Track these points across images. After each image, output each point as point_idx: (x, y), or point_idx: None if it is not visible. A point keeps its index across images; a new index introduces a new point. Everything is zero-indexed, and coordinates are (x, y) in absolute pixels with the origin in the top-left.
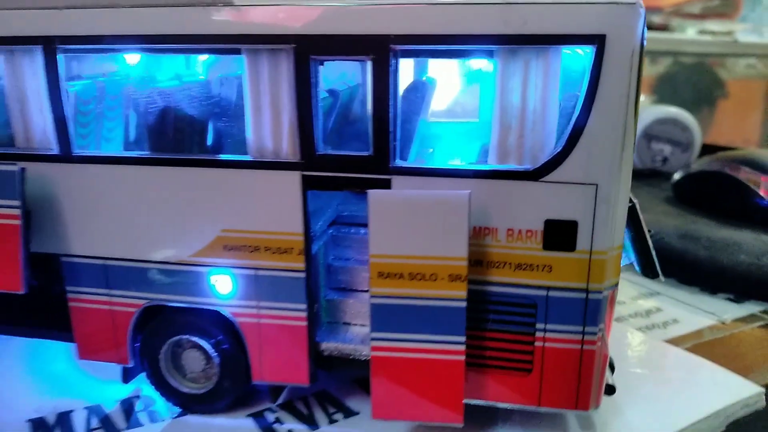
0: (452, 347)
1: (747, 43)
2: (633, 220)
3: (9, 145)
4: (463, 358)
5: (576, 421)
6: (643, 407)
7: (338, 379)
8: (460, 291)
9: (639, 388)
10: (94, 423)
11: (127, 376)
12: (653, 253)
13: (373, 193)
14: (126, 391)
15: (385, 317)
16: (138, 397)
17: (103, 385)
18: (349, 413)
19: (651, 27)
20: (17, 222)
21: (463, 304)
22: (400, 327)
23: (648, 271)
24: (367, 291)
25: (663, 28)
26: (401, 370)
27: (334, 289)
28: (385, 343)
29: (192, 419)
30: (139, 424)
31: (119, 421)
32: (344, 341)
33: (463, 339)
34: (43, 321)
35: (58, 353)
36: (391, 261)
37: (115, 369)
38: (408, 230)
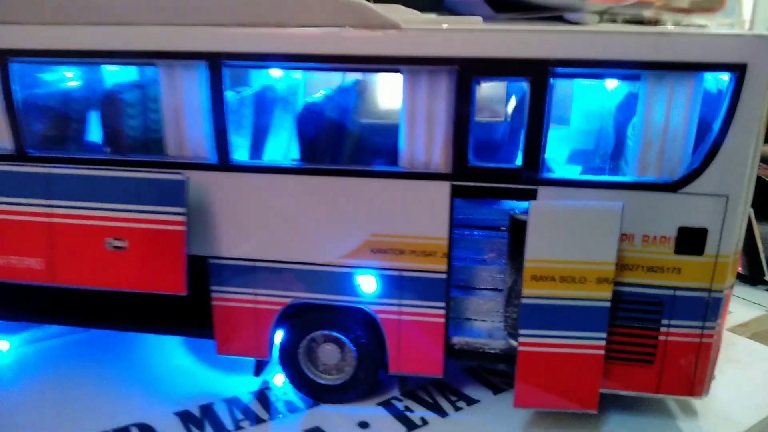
0: (594, 342)
1: None
2: (748, 225)
3: (158, 153)
4: (603, 352)
5: (677, 405)
6: (731, 391)
7: (449, 369)
8: (606, 292)
9: (722, 374)
10: (238, 414)
11: (259, 369)
12: (762, 255)
13: (535, 204)
14: (256, 383)
15: (534, 316)
16: (267, 388)
17: (233, 379)
18: (470, 401)
19: (642, 22)
20: (182, 228)
21: (608, 304)
22: (548, 324)
23: (755, 272)
24: (487, 289)
25: (654, 22)
26: (545, 363)
27: (456, 287)
28: (533, 339)
29: (326, 408)
30: (279, 414)
31: (260, 411)
32: (473, 336)
33: (604, 335)
34: (184, 319)
35: (175, 349)
36: (545, 266)
37: (239, 363)
38: (563, 237)
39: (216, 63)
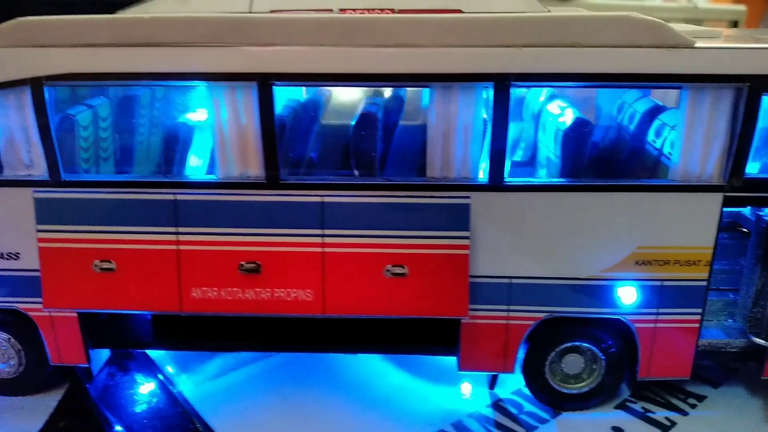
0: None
1: (707, 9)
2: None
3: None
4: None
5: None
6: None
7: None
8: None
9: None
10: (493, 430)
11: (494, 383)
12: None
13: None
14: (489, 397)
15: None
16: (500, 401)
17: (453, 394)
18: (699, 397)
19: None
20: (466, 252)
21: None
22: None
23: None
24: (729, 290)
25: None
26: None
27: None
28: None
29: (573, 417)
30: (531, 426)
31: (512, 425)
32: (716, 337)
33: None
34: (427, 339)
35: (376, 368)
36: None
37: (446, 378)
38: None
39: (503, 84)
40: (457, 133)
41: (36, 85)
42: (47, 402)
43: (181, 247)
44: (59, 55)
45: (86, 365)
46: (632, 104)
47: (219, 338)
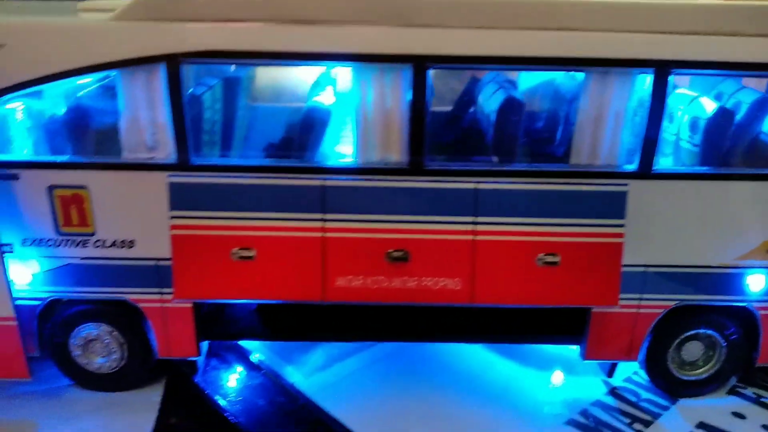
0: None
1: None
2: None
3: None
4: None
5: None
6: None
7: None
8: None
9: None
10: (619, 417)
11: (612, 371)
12: None
13: None
14: (604, 386)
15: None
16: (616, 389)
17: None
18: None
19: None
20: (620, 240)
21: None
22: None
23: None
24: None
25: None
26: None
27: None
28: None
29: (692, 403)
30: (655, 413)
31: (635, 412)
32: None
33: None
34: (554, 328)
35: (480, 357)
36: None
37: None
38: None
39: (664, 71)
40: (609, 120)
41: (172, 62)
42: (148, 397)
43: (328, 234)
44: (199, 31)
45: (196, 358)
46: (734, 94)
47: (325, 329)
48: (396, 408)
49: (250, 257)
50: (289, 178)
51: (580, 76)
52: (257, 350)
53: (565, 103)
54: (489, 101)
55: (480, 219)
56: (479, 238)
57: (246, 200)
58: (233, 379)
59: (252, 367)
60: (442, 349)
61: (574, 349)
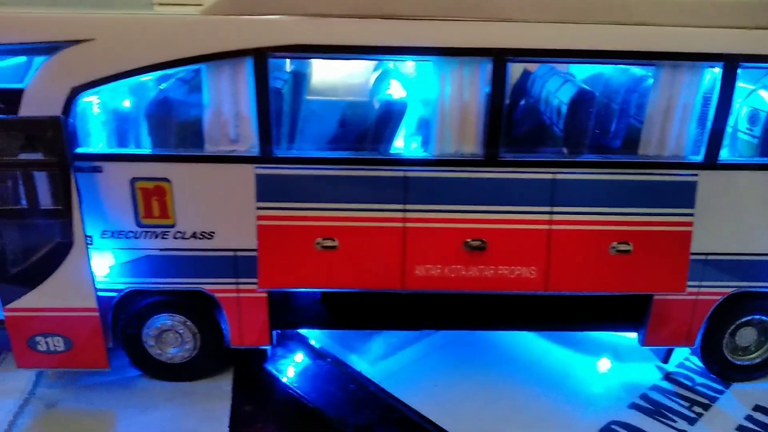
0: None
1: None
2: None
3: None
4: None
5: None
6: None
7: None
8: None
9: None
10: (679, 401)
11: (668, 357)
12: None
13: None
14: (658, 372)
15: None
16: (670, 374)
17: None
18: None
19: None
20: (689, 228)
21: None
22: None
23: None
24: None
25: None
26: None
27: None
28: None
29: (744, 386)
30: (711, 397)
31: (693, 395)
32: None
33: None
34: (614, 315)
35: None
36: None
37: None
38: None
39: (732, 65)
40: (677, 112)
41: (260, 56)
42: (219, 386)
43: (408, 225)
44: (286, 25)
45: (269, 346)
46: None
47: (386, 317)
48: (462, 393)
49: (333, 247)
50: (372, 169)
51: (635, 69)
52: (316, 339)
53: (623, 95)
54: (557, 93)
55: (556, 209)
56: (555, 227)
57: (329, 191)
58: (302, 366)
59: (317, 355)
60: (496, 337)
61: (628, 337)
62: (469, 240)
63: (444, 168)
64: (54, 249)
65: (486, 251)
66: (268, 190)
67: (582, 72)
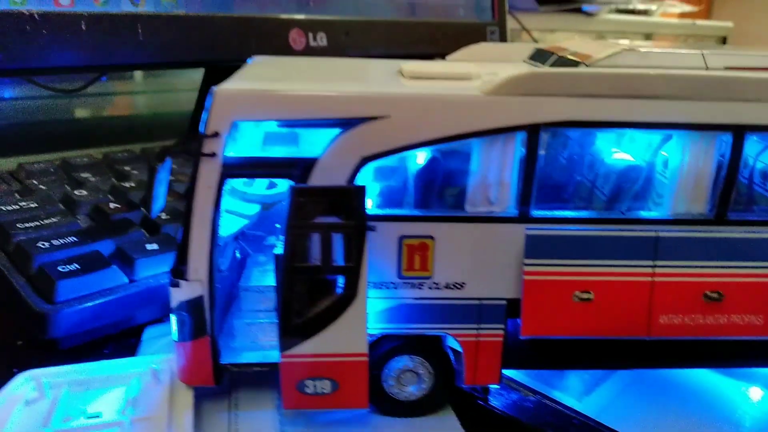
0: None
1: (702, 25)
2: None
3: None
4: None
5: None
6: None
7: None
8: None
9: None
10: None
11: None
12: None
13: None
14: None
15: None
16: None
17: None
18: None
19: (635, 12)
20: None
21: None
22: None
23: None
24: None
25: (644, 12)
26: None
27: None
28: None
29: None
30: None
31: None
32: None
33: None
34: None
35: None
36: None
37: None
38: None
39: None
40: None
41: (533, 130)
42: (443, 420)
43: (656, 279)
44: (560, 104)
45: (498, 385)
46: None
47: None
48: (667, 425)
49: (588, 299)
50: (625, 229)
51: None
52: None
53: None
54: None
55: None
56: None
57: (587, 249)
58: (518, 399)
59: (525, 389)
60: (673, 374)
61: None
62: (707, 292)
63: (687, 228)
64: (338, 301)
65: (722, 302)
66: (535, 248)
67: None
